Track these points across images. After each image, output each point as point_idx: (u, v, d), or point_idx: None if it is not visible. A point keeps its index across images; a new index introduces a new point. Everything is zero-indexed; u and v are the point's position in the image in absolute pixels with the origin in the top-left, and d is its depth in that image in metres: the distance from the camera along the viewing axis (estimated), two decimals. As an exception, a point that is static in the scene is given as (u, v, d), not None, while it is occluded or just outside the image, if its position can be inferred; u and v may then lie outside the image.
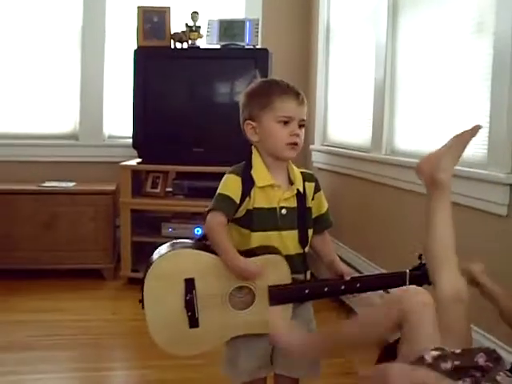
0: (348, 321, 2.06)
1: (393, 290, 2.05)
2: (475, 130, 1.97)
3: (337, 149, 4.42)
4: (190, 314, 2.00)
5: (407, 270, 2.08)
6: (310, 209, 2.12)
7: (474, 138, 2.26)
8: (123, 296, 4.17)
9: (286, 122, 2.01)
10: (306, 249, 2.11)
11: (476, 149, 2.74)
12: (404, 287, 2.02)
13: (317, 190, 2.16)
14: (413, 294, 1.79)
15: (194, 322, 2.01)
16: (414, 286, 1.88)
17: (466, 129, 1.99)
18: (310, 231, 2.13)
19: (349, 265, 3.64)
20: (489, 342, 2.47)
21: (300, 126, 2.04)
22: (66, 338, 3.45)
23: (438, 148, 2.01)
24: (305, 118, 2.05)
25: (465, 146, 1.99)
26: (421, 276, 2.07)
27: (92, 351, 3.29)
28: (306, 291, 2.04)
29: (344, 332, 1.83)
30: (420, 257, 2.08)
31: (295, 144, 2.03)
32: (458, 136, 1.99)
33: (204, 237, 2.09)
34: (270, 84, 2.09)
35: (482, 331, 2.50)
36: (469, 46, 2.84)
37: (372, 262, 3.62)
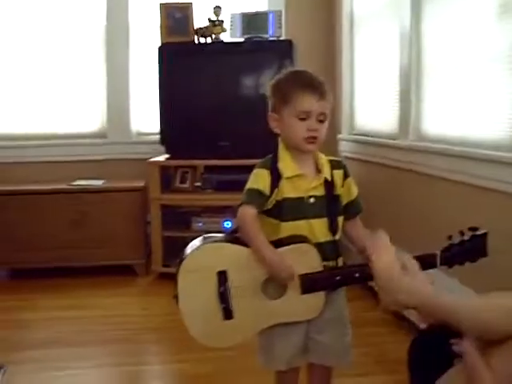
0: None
1: None
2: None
3: (364, 137, 4.40)
4: (224, 306, 2.01)
5: (438, 252, 2.06)
6: (338, 196, 2.12)
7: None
8: (155, 291, 4.20)
9: (303, 118, 2.00)
10: (337, 236, 2.10)
11: (504, 132, 2.71)
12: None
13: (346, 176, 2.15)
14: None
15: (228, 314, 2.02)
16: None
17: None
18: (341, 218, 2.13)
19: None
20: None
21: (320, 121, 2.02)
22: (100, 333, 3.50)
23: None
24: (325, 112, 2.03)
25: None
26: (451, 256, 2.05)
27: (126, 346, 3.33)
28: (337, 278, 2.04)
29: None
30: (450, 237, 2.06)
31: (313, 138, 2.02)
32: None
33: (235, 230, 2.11)
34: (292, 77, 2.08)
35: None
36: (493, 29, 2.81)
37: (402, 248, 3.59)
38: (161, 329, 3.55)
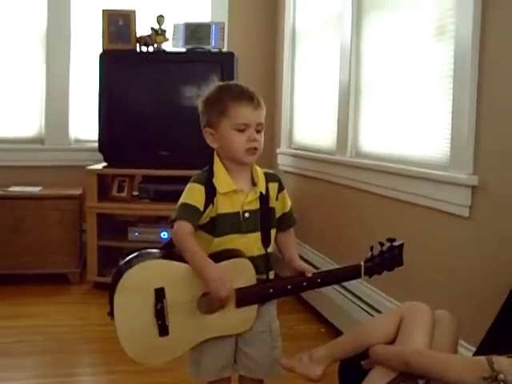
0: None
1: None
2: None
3: (303, 152, 4.45)
4: (160, 322, 2.00)
5: (362, 262, 2.13)
6: (273, 209, 2.14)
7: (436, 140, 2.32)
8: (90, 300, 4.15)
9: (242, 129, 2.01)
10: (269, 249, 2.12)
11: (438, 151, 2.78)
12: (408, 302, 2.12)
13: (280, 189, 2.17)
14: (411, 305, 2.04)
15: (164, 330, 2.01)
16: (416, 302, 2.07)
17: None
18: (274, 231, 2.15)
19: (314, 266, 3.67)
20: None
21: (258, 131, 2.04)
22: (33, 343, 3.43)
23: None
24: (262, 122, 2.05)
25: None
26: (373, 266, 2.14)
27: (60, 357, 3.27)
28: (271, 290, 2.07)
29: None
30: (371, 248, 2.14)
31: (254, 149, 2.03)
32: None
33: (170, 243, 2.09)
34: (224, 90, 2.07)
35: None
36: (431, 49, 2.88)
37: (337, 262, 3.65)
38: (96, 339, 3.50)
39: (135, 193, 4.56)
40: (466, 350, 2.39)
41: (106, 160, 4.60)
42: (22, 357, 3.26)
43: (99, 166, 4.52)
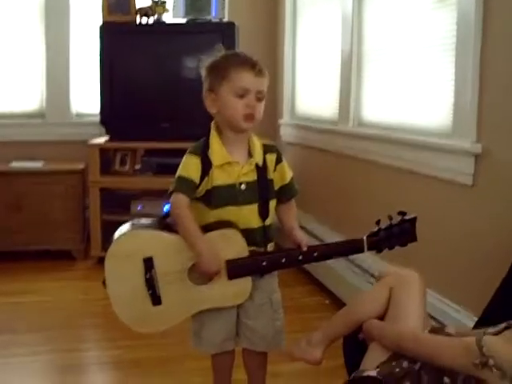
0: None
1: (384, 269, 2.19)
2: None
3: (305, 122, 4.42)
4: (151, 292, 2.03)
5: (364, 237, 2.09)
6: (271, 181, 2.12)
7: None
8: (94, 276, 4.09)
9: (242, 95, 2.00)
10: (267, 221, 2.11)
11: (441, 119, 2.75)
12: (394, 268, 2.10)
13: (278, 161, 2.15)
14: (398, 275, 2.02)
15: (156, 300, 2.03)
16: (402, 269, 2.06)
17: None
18: (273, 203, 2.13)
19: (316, 237, 3.67)
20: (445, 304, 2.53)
21: (258, 99, 2.02)
22: (38, 319, 3.44)
23: None
24: (262, 90, 2.04)
25: None
26: (379, 241, 2.09)
27: (64, 332, 3.28)
28: (264, 263, 2.06)
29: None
30: (378, 222, 2.09)
31: (251, 116, 2.02)
32: None
33: (166, 215, 2.11)
34: (228, 56, 2.08)
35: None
36: (433, 16, 2.85)
37: (340, 233, 3.63)
38: (101, 314, 3.49)
39: (137, 166, 4.54)
40: (470, 319, 2.38)
41: (107, 133, 4.57)
42: (26, 333, 3.27)
43: (101, 140, 4.49)
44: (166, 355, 2.95)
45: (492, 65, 2.41)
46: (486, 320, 1.99)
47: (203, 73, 2.10)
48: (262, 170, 2.09)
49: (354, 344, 2.04)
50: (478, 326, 2.06)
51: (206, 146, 2.06)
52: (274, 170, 2.13)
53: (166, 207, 4.24)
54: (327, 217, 3.95)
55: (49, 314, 3.51)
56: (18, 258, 4.41)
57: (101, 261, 4.19)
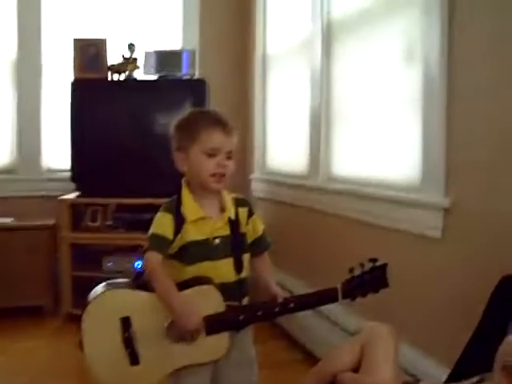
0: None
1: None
2: None
3: (276, 177, 4.45)
4: (129, 350, 2.01)
5: (338, 285, 2.10)
6: (244, 234, 2.14)
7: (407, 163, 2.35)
8: (64, 333, 4.08)
9: (212, 154, 2.02)
10: (243, 275, 2.11)
11: (410, 173, 2.80)
12: (369, 324, 2.10)
13: (250, 214, 2.17)
14: (370, 329, 2.06)
15: (134, 359, 2.02)
16: (375, 323, 2.09)
17: None
18: (247, 256, 2.14)
19: (288, 290, 3.66)
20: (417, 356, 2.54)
21: (228, 158, 2.05)
22: (6, 380, 3.35)
23: None
24: (232, 150, 2.06)
25: None
26: (353, 289, 2.11)
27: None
28: (241, 317, 2.06)
29: None
30: (351, 270, 2.11)
31: (221, 175, 2.04)
32: None
33: (141, 273, 2.10)
34: (197, 115, 2.11)
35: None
36: (400, 73, 2.92)
37: (314, 287, 3.63)
38: (71, 373, 3.43)
39: (109, 222, 4.52)
40: (442, 371, 2.39)
41: (78, 189, 4.56)
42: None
43: (72, 196, 4.48)
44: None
45: (458, 119, 2.47)
46: (458, 372, 2.01)
47: (172, 131, 2.12)
48: (234, 223, 2.10)
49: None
50: (450, 378, 2.06)
51: (179, 202, 2.07)
52: (247, 223, 2.15)
53: (138, 263, 4.26)
54: (299, 271, 3.96)
55: (18, 373, 3.44)
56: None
57: (71, 317, 4.21)
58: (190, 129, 2.06)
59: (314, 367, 2.15)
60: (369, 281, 2.11)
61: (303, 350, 3.57)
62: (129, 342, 2.00)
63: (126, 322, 2.00)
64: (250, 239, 2.16)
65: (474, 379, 1.67)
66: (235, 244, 2.09)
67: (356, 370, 1.97)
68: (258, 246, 2.19)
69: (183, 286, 2.01)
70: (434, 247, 2.60)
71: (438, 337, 2.56)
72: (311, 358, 3.36)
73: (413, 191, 2.74)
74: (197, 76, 4.70)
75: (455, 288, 2.48)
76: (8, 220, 4.60)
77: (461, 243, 2.45)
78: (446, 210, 2.51)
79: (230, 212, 2.10)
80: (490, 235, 2.30)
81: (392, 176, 2.97)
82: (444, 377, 2.19)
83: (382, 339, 1.98)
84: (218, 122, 2.04)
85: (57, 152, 5.06)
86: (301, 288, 3.77)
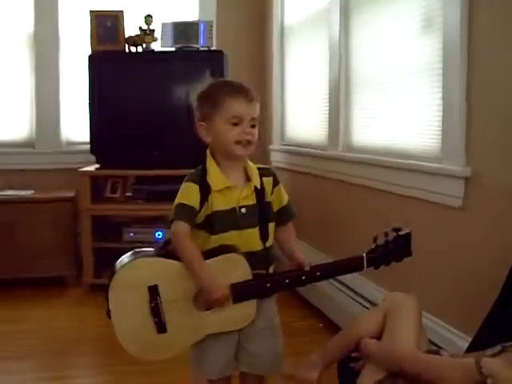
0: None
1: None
2: None
3: (295, 147, 4.46)
4: (156, 320, 2.02)
5: (364, 254, 2.12)
6: (269, 203, 2.14)
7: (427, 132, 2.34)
8: (86, 302, 4.14)
9: (236, 123, 2.02)
10: (268, 244, 2.11)
11: (430, 143, 2.79)
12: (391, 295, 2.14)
13: (275, 183, 2.17)
14: (394, 298, 2.07)
15: (161, 328, 2.03)
16: (399, 293, 2.10)
17: None
18: (272, 226, 2.14)
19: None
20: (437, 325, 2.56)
21: (252, 125, 2.05)
22: (29, 347, 3.42)
23: None
24: (256, 116, 2.06)
25: None
26: (377, 257, 2.12)
27: (56, 359, 3.27)
28: (268, 285, 2.06)
29: None
30: (375, 239, 2.12)
31: (247, 142, 2.04)
32: None
33: (167, 242, 2.10)
34: (219, 85, 2.10)
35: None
36: (419, 42, 2.90)
37: (332, 257, 3.65)
38: (93, 340, 3.51)
39: (129, 193, 4.56)
40: (463, 340, 2.40)
41: (98, 161, 4.59)
42: (19, 360, 3.26)
43: (92, 168, 4.51)
44: (160, 381, 2.95)
45: (479, 88, 2.45)
46: (478, 342, 2.02)
47: (194, 102, 2.11)
48: (260, 193, 2.10)
49: (349, 369, 2.06)
50: (470, 347, 2.08)
51: (204, 172, 2.08)
52: (272, 192, 2.15)
53: (159, 234, 4.30)
54: (318, 240, 3.98)
55: (41, 341, 3.50)
56: (10, 286, 4.40)
57: (93, 287, 4.28)
58: (212, 99, 2.05)
59: (336, 334, 2.17)
60: (393, 249, 2.12)
61: (324, 318, 3.60)
62: (156, 311, 2.00)
63: (153, 291, 2.00)
64: (275, 209, 2.15)
65: (498, 348, 1.68)
66: (261, 213, 2.10)
67: (378, 337, 1.98)
68: (283, 216, 2.19)
69: (210, 254, 2.01)
70: (454, 217, 2.60)
71: (458, 306, 2.57)
72: (332, 326, 3.39)
73: (433, 160, 2.73)
74: (214, 47, 4.69)
75: (475, 258, 2.48)
76: (29, 192, 4.65)
77: (482, 213, 2.45)
78: (467, 180, 2.50)
79: (256, 181, 2.10)
80: (511, 205, 2.30)
81: (412, 145, 2.96)
82: (465, 346, 2.21)
83: (405, 308, 1.99)
84: (240, 91, 2.03)
85: (76, 124, 5.10)
86: (318, 257, 3.80)
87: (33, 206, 4.51)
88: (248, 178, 2.10)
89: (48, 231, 4.48)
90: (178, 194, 2.07)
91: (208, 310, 2.03)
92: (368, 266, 2.13)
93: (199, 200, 2.03)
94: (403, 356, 1.83)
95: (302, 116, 4.45)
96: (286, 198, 2.19)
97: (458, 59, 2.51)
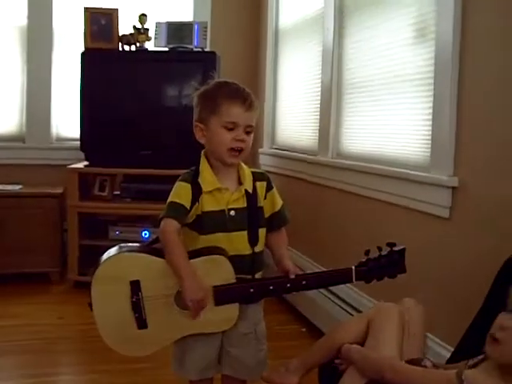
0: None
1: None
2: None
3: (285, 152, 4.46)
4: (137, 315, 2.02)
5: (353, 267, 2.09)
6: (261, 208, 2.13)
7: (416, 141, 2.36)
8: (70, 300, 4.12)
9: (231, 128, 2.01)
10: (257, 249, 2.11)
11: (419, 152, 2.80)
12: (376, 304, 2.14)
13: (269, 188, 2.16)
14: (378, 307, 2.10)
15: (142, 323, 2.03)
16: (385, 303, 2.12)
17: None
18: (262, 230, 2.14)
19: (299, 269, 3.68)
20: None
21: (247, 133, 2.04)
22: (14, 343, 3.40)
23: None
24: (252, 124, 2.05)
25: None
26: (368, 271, 2.08)
27: (40, 357, 3.25)
28: (252, 290, 2.06)
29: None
30: (367, 252, 2.10)
31: (239, 149, 2.04)
32: None
33: (154, 240, 2.11)
34: (219, 87, 2.08)
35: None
36: (412, 50, 2.91)
37: (321, 263, 3.67)
38: (76, 338, 3.50)
39: (117, 192, 4.55)
40: (445, 350, 2.41)
41: (87, 159, 4.58)
42: (2, 357, 3.24)
43: (81, 165, 4.50)
44: (142, 380, 2.94)
45: (469, 98, 2.46)
46: (461, 351, 2.03)
47: (194, 100, 2.11)
48: (251, 196, 2.10)
49: (330, 372, 2.06)
50: (453, 356, 2.09)
51: (197, 173, 2.08)
52: (265, 197, 2.14)
53: (145, 233, 4.29)
54: (305, 246, 3.98)
55: (25, 337, 3.48)
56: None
57: (77, 285, 4.25)
58: (210, 100, 2.04)
59: (319, 340, 2.17)
60: (386, 264, 2.08)
61: (307, 323, 3.60)
62: (137, 306, 2.01)
63: (135, 286, 2.01)
64: (267, 214, 2.15)
65: (480, 357, 1.70)
66: (251, 217, 2.09)
67: (361, 344, 1.99)
68: (276, 221, 2.18)
69: (196, 253, 2.02)
70: (441, 226, 2.61)
71: (443, 315, 2.58)
72: (315, 331, 3.39)
73: (421, 169, 2.74)
74: (208, 48, 4.69)
75: (461, 268, 2.49)
76: (17, 187, 4.63)
77: (468, 223, 2.45)
78: (455, 189, 2.51)
79: (248, 185, 2.10)
80: (497, 215, 2.31)
81: (401, 153, 2.97)
82: (447, 355, 2.22)
83: (388, 316, 2.00)
84: (239, 96, 2.02)
85: (66, 121, 5.08)
86: (306, 263, 3.81)
87: (20, 201, 4.49)
88: (240, 182, 2.10)
89: (35, 227, 4.46)
90: (171, 193, 2.06)
91: (184, 309, 2.02)
92: (357, 279, 2.09)
93: (190, 199, 2.03)
94: (384, 366, 1.84)
95: (293, 120, 4.45)
96: (279, 204, 2.18)
97: (449, 69, 2.53)
